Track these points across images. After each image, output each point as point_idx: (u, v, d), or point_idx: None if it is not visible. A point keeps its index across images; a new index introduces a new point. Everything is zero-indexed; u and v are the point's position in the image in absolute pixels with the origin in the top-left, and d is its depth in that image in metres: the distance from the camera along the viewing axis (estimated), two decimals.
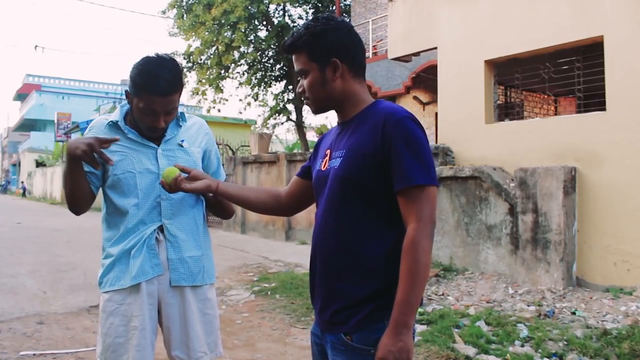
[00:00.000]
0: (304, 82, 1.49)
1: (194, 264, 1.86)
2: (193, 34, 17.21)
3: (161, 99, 1.73)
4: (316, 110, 1.53)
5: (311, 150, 13.65)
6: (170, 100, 1.76)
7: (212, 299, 1.93)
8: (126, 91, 1.81)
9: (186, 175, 1.71)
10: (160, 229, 1.82)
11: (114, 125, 1.86)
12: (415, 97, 12.51)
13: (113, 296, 1.78)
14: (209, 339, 1.88)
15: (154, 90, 1.71)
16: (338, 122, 1.55)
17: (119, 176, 1.80)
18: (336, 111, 1.53)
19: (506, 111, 7.47)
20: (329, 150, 1.51)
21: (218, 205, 1.97)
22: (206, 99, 18.72)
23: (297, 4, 18.50)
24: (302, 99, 1.52)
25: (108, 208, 1.86)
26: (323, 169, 1.49)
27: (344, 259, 1.39)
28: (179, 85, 1.77)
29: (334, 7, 17.54)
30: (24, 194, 38.71)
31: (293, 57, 1.50)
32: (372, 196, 1.37)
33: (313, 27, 1.44)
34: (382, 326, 1.32)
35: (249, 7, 16.37)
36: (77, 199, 1.80)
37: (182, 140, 1.90)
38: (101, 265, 1.86)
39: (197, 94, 18.33)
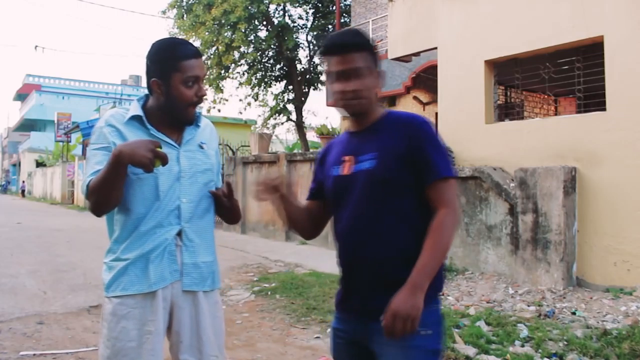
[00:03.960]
0: (353, 83, 1.51)
1: (207, 269, 1.82)
2: (193, 34, 17.21)
3: (198, 62, 1.68)
4: (358, 113, 1.58)
5: (312, 150, 13.48)
6: (203, 64, 1.72)
7: (219, 302, 1.91)
8: (153, 81, 1.70)
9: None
10: (177, 232, 1.76)
11: (136, 119, 1.74)
12: (415, 97, 12.51)
13: (125, 300, 1.70)
14: (218, 341, 1.86)
15: (188, 53, 1.66)
16: (352, 130, 1.63)
17: (140, 175, 1.69)
18: (358, 117, 1.60)
19: (506, 111, 7.48)
20: (348, 157, 1.58)
21: (231, 210, 1.90)
22: (206, 99, 18.72)
23: (297, 4, 18.51)
24: (345, 99, 1.53)
25: (120, 208, 1.73)
26: (346, 174, 1.56)
27: (387, 251, 1.51)
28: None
29: (334, 7, 17.54)
30: (23, 194, 38.66)
31: (344, 57, 1.51)
32: (403, 192, 1.52)
33: (367, 35, 1.56)
34: (432, 308, 1.47)
35: (249, 7, 16.37)
36: (112, 201, 1.67)
37: (203, 142, 1.86)
38: (107, 268, 1.76)
39: None
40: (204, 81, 1.79)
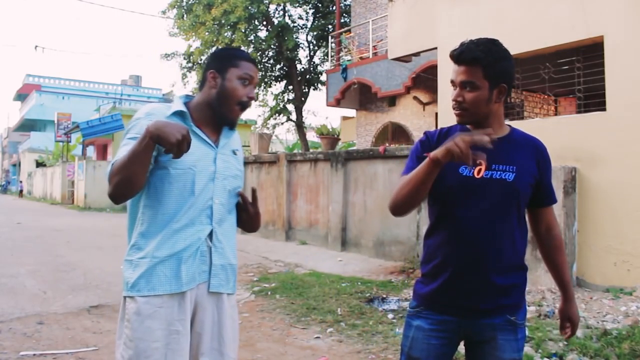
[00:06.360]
0: (465, 94, 1.62)
1: (231, 271, 1.83)
2: (193, 34, 17.24)
3: (254, 68, 1.78)
4: (467, 122, 1.68)
5: (312, 150, 13.38)
6: (257, 72, 1.82)
7: (236, 307, 1.93)
8: (210, 72, 1.75)
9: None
10: (208, 233, 1.75)
11: (179, 115, 1.72)
12: (415, 97, 12.51)
13: (151, 299, 1.65)
14: (234, 344, 1.86)
15: (248, 57, 1.79)
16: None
17: (179, 171, 1.67)
18: (477, 126, 1.67)
19: (506, 111, 7.45)
20: (480, 161, 1.60)
21: (253, 218, 1.90)
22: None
23: (297, 4, 18.53)
24: (456, 107, 1.65)
25: (151, 200, 1.68)
26: (477, 177, 1.64)
27: (513, 258, 1.72)
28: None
29: (334, 7, 17.54)
30: (21, 194, 38.36)
31: (461, 68, 1.62)
32: (524, 205, 1.74)
33: (495, 50, 1.62)
34: (525, 304, 1.79)
35: (249, 7, 16.39)
36: (135, 185, 1.58)
37: (236, 150, 1.89)
38: (132, 265, 1.68)
39: None
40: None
